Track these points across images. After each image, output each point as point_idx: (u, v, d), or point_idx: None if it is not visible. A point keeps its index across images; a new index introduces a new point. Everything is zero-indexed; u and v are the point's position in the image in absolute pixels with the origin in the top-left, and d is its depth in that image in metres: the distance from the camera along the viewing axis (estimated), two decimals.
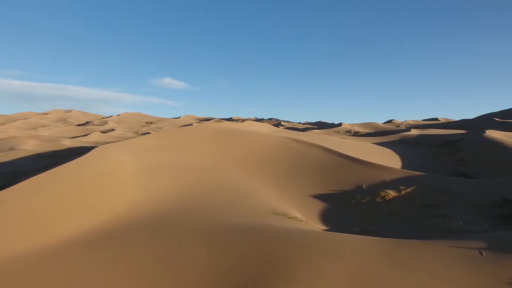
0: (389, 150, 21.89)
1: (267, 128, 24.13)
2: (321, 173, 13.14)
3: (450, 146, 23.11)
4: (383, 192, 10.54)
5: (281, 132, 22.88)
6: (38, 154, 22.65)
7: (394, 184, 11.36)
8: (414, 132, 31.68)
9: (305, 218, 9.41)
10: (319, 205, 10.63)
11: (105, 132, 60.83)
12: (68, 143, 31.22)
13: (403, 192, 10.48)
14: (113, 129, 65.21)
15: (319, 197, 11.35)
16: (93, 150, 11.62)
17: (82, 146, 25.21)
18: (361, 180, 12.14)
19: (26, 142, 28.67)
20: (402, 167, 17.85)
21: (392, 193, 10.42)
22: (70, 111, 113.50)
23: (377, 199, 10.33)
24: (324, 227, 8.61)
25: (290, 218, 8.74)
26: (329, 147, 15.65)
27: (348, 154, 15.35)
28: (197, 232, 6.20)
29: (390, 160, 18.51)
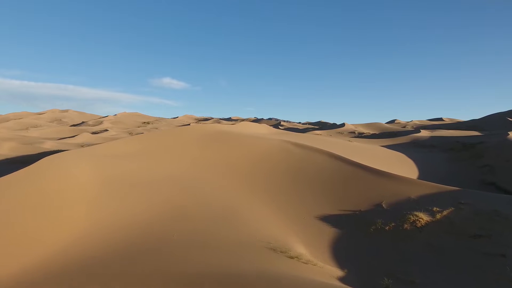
0: (402, 154, 19.43)
1: (264, 129, 21.67)
2: (329, 187, 10.70)
3: (469, 149, 20.68)
4: (412, 215, 8.09)
5: (280, 134, 20.43)
6: (7, 159, 20.23)
7: (423, 203, 8.93)
8: (424, 133, 29.22)
9: (312, 254, 6.97)
10: (329, 233, 8.18)
11: (97, 133, 58.63)
12: (48, 146, 28.79)
13: (438, 216, 8.03)
14: (106, 130, 63.02)
15: (328, 219, 8.91)
16: (41, 160, 9.18)
17: (59, 150, 22.76)
18: (379, 196, 9.70)
19: (0, 145, 26.18)
20: (420, 176, 15.43)
21: (424, 218, 7.97)
22: (66, 111, 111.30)
23: (405, 225, 7.89)
24: (340, 272, 6.17)
25: (293, 257, 6.30)
26: (337, 153, 13.20)
27: (358, 161, 12.93)
28: None
29: (406, 167, 16.07)
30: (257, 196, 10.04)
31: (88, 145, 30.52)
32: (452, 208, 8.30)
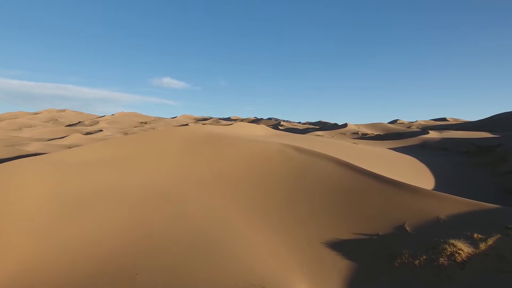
0: (414, 159, 17.63)
1: (262, 130, 19.86)
2: (338, 202, 8.90)
3: (487, 153, 18.87)
4: (449, 245, 6.29)
5: (279, 136, 18.63)
6: None
7: (457, 226, 7.13)
8: (433, 135, 27.40)
9: None
10: (342, 267, 6.38)
11: (90, 134, 57.06)
12: (32, 148, 27.00)
13: (482, 247, 6.22)
14: (101, 130, 61.50)
15: (339, 247, 7.11)
16: None
17: (40, 153, 20.97)
18: (400, 215, 7.91)
19: None
20: (437, 185, 13.62)
21: (464, 249, 6.16)
22: (63, 110, 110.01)
23: (441, 259, 6.08)
24: None
25: None
26: (345, 160, 11.39)
27: (369, 169, 11.14)
28: None
29: (422, 175, 14.27)
30: (248, 215, 8.23)
31: (77, 146, 28.68)
32: (498, 235, 6.49)
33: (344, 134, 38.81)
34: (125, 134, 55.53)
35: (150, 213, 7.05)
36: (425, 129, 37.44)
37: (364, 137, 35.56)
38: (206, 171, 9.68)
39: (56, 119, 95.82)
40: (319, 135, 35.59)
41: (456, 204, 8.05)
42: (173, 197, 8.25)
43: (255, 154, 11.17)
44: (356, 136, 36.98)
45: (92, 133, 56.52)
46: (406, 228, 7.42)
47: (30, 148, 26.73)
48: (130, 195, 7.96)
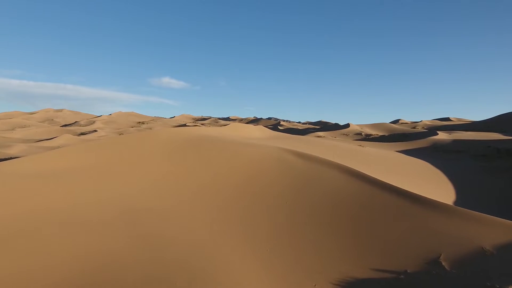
0: (428, 164, 15.93)
1: (258, 132, 18.13)
2: (350, 225, 7.20)
3: (506, 157, 17.18)
4: None
5: (278, 139, 16.91)
6: None
7: (509, 261, 5.43)
8: (443, 136, 25.69)
9: None
10: None
11: (84, 134, 55.56)
12: (15, 151, 25.32)
13: None
14: (95, 130, 60.00)
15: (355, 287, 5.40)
16: None
17: (16, 156, 19.28)
18: (433, 245, 6.21)
19: None
20: (462, 199, 11.91)
21: None
22: (60, 110, 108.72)
23: None
24: None
25: None
26: (355, 168, 9.69)
27: (382, 179, 9.49)
28: None
29: (443, 184, 12.55)
30: (242, 243, 6.52)
31: (65, 147, 27.01)
32: None
33: (347, 134, 37.09)
34: (120, 134, 53.95)
35: (112, 238, 5.33)
36: (432, 129, 35.77)
37: (368, 138, 33.85)
38: (190, 183, 7.96)
39: (52, 119, 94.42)
40: (321, 136, 33.89)
41: (502, 229, 6.34)
42: (144, 217, 6.54)
43: (250, 162, 9.47)
44: (359, 137, 35.28)
45: (86, 134, 55.03)
46: (443, 263, 5.71)
47: (13, 151, 25.06)
48: (86, 215, 6.24)
